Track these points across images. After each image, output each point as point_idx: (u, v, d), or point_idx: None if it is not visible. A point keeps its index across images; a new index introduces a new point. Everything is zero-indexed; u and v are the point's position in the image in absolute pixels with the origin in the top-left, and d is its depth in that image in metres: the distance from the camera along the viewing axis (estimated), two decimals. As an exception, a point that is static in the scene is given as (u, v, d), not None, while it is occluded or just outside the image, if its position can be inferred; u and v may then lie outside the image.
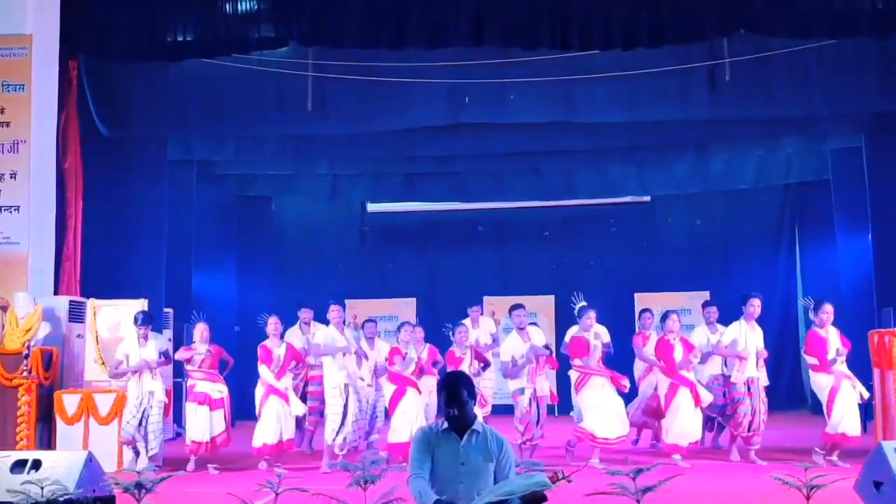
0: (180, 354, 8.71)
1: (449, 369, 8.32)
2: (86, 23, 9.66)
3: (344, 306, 9.01)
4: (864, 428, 9.38)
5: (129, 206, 10.64)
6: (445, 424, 3.96)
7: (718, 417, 9.03)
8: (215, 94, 10.21)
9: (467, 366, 8.38)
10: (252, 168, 13.23)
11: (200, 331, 8.53)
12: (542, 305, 13.55)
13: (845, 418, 7.94)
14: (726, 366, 8.73)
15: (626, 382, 8.41)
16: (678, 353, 8.35)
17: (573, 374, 8.47)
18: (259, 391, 8.54)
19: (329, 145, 11.81)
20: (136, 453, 8.34)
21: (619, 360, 8.95)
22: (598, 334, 8.42)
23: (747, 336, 8.38)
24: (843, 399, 7.97)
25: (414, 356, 8.35)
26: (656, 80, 9.71)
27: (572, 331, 8.70)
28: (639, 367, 9.55)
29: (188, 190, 12.05)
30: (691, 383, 8.32)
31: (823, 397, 8.12)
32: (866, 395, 8.14)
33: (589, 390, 8.27)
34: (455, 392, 3.89)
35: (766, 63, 9.59)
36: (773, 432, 9.21)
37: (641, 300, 13.04)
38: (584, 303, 8.57)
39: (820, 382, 8.17)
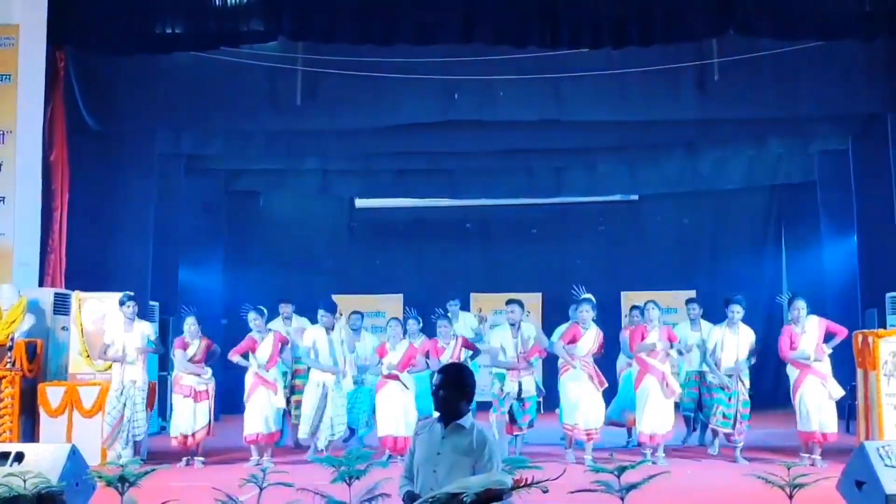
0: (178, 347, 8.61)
1: (432, 359, 8.37)
2: (74, 13, 9.58)
3: (332, 301, 9.00)
4: (847, 428, 9.45)
5: (115, 199, 10.58)
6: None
7: (694, 414, 9.10)
8: (204, 88, 10.18)
9: (449, 356, 8.39)
10: (240, 162, 13.16)
11: (189, 325, 8.53)
12: (530, 303, 13.42)
13: (812, 413, 7.99)
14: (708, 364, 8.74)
15: (604, 385, 8.47)
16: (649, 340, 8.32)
17: (560, 361, 8.54)
18: (249, 380, 8.59)
19: (318, 140, 11.77)
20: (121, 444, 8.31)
21: (606, 356, 8.97)
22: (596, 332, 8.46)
23: (725, 340, 8.46)
24: (808, 395, 8.04)
25: (400, 351, 8.36)
26: (645, 80, 9.74)
27: (562, 328, 8.75)
28: (621, 362, 9.58)
29: (176, 183, 11.98)
30: (660, 373, 8.29)
31: (791, 391, 8.24)
32: (836, 394, 8.11)
33: (568, 379, 8.38)
34: (444, 376, 4.00)
35: (754, 64, 9.64)
36: (757, 431, 9.25)
37: (629, 298, 13.05)
38: (588, 294, 8.59)
39: (790, 375, 8.29)
